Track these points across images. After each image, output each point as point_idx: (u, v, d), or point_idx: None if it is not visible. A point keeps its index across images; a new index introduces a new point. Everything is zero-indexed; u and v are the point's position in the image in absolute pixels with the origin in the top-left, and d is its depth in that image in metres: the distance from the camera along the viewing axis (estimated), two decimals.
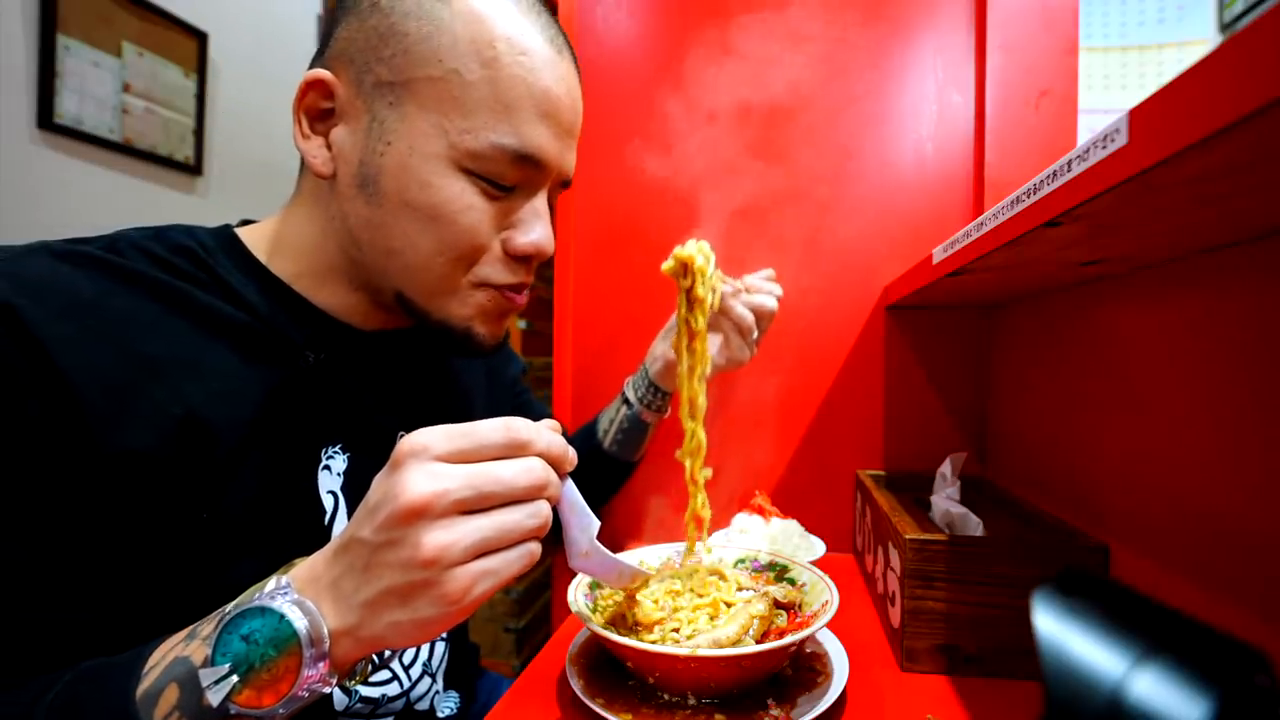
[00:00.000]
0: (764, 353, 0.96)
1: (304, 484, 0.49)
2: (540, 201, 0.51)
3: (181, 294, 0.45)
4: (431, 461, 0.34)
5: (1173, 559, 0.48)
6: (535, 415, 0.43)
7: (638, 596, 0.53)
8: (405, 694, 0.54)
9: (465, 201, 0.47)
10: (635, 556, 0.64)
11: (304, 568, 0.37)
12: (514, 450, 0.37)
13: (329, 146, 0.48)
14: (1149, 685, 0.17)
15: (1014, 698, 0.52)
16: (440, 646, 0.59)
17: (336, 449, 0.51)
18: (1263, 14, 0.20)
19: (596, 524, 0.44)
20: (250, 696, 0.33)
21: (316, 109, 0.49)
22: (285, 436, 0.48)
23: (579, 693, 0.48)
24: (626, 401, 0.79)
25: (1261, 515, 0.40)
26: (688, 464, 0.59)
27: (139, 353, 0.42)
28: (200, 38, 1.64)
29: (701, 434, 0.58)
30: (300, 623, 0.34)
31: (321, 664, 0.34)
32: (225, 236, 0.51)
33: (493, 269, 0.50)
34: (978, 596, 0.55)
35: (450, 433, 0.36)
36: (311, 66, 0.50)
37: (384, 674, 0.53)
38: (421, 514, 0.33)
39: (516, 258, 0.51)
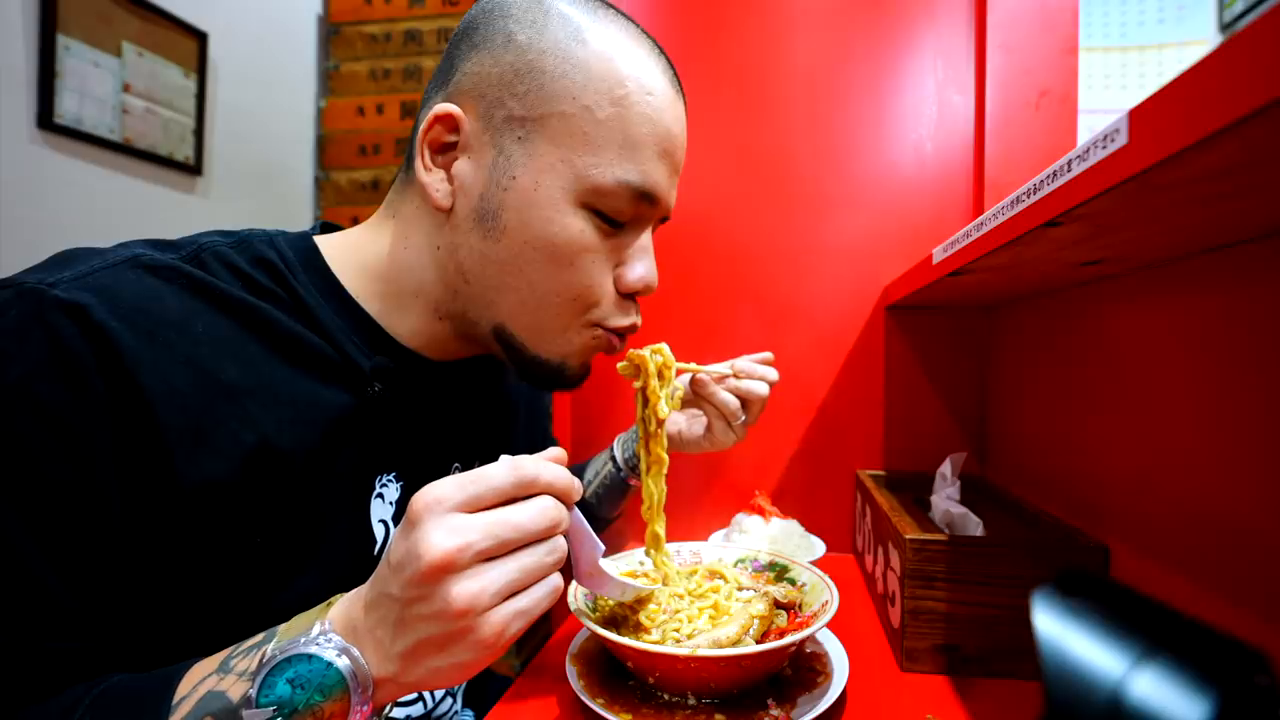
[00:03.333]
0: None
1: (357, 512, 0.49)
2: (648, 238, 0.52)
3: (260, 316, 0.45)
4: (448, 514, 0.35)
5: (1173, 559, 0.48)
6: (548, 444, 0.44)
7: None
8: (429, 714, 0.55)
9: (584, 241, 0.48)
10: (636, 556, 0.64)
11: (343, 612, 0.37)
12: (524, 490, 0.38)
13: (450, 180, 0.49)
14: (1149, 685, 0.17)
15: (1014, 698, 0.52)
16: None
17: (390, 478, 0.51)
18: (1263, 14, 0.20)
19: (601, 548, 0.45)
20: None
21: (440, 142, 0.48)
22: (344, 464, 0.48)
23: (579, 693, 0.48)
24: (614, 460, 0.77)
25: (1261, 515, 0.40)
26: (652, 556, 0.58)
27: (218, 380, 0.42)
28: (200, 38, 1.64)
29: (660, 528, 0.57)
30: (348, 670, 0.34)
31: (365, 708, 0.35)
32: (305, 248, 0.51)
33: (606, 311, 0.51)
34: (978, 596, 0.55)
35: (461, 483, 0.36)
36: (426, 100, 0.50)
37: (411, 694, 0.53)
38: (447, 569, 0.34)
39: (626, 295, 0.52)
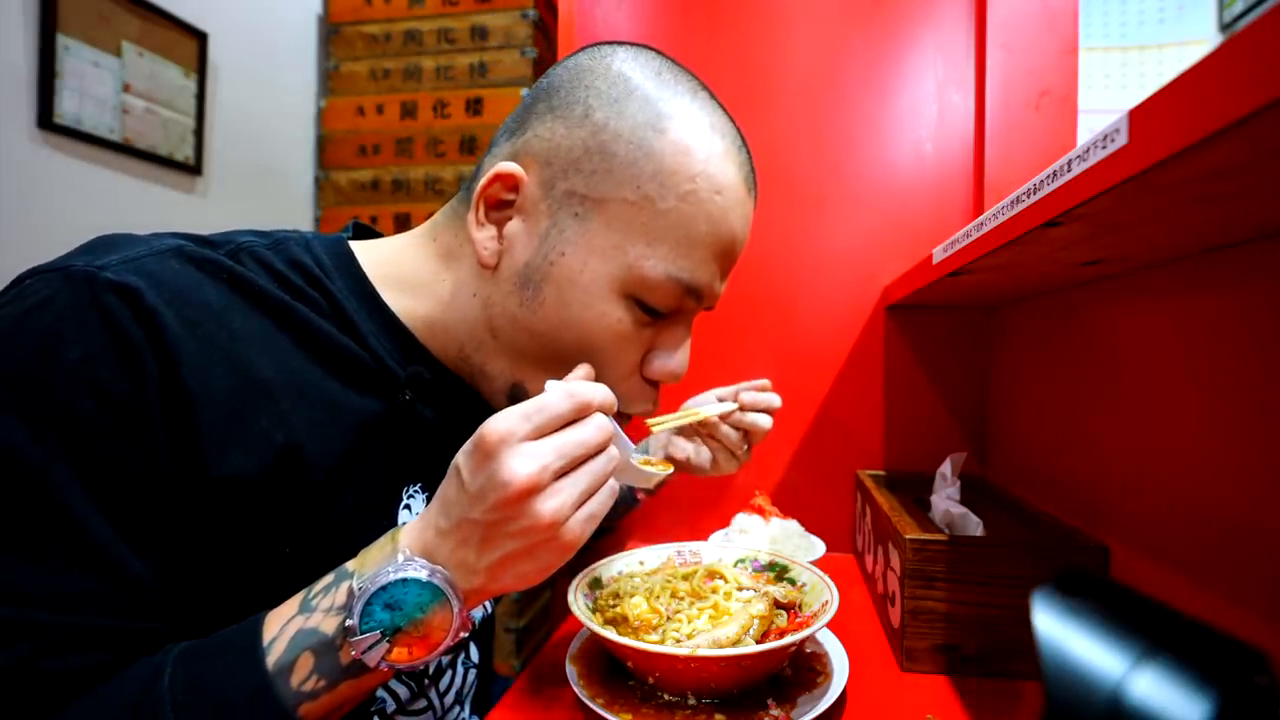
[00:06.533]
0: (765, 353, 0.96)
1: (384, 522, 0.49)
2: (687, 329, 0.52)
3: (297, 316, 0.45)
4: (520, 443, 0.38)
5: (1173, 559, 0.48)
6: None
7: (635, 600, 0.53)
8: None
9: (619, 330, 0.48)
10: (636, 557, 0.64)
11: (416, 540, 0.40)
12: (581, 413, 0.41)
13: (500, 239, 0.48)
14: (1149, 685, 0.17)
15: (1014, 698, 0.52)
16: (472, 674, 0.60)
17: (417, 488, 0.51)
18: (1263, 14, 0.20)
19: (633, 448, 0.50)
20: (401, 654, 0.38)
21: (497, 199, 0.48)
22: (371, 472, 0.48)
23: (579, 693, 0.48)
24: None
25: (1261, 515, 0.40)
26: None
27: (253, 376, 0.42)
28: (200, 38, 1.64)
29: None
30: (446, 588, 0.38)
31: (462, 617, 0.39)
32: (341, 254, 0.50)
33: (626, 393, 0.51)
34: (978, 596, 0.55)
35: (526, 413, 0.39)
36: (494, 145, 0.51)
37: (421, 703, 0.53)
38: (531, 492, 0.37)
39: (649, 380, 0.52)
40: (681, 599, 0.56)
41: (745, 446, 0.70)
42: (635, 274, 0.46)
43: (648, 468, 0.53)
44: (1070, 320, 0.65)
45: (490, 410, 0.55)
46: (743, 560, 0.64)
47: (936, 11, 0.92)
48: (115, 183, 1.48)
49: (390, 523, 0.49)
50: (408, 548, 0.39)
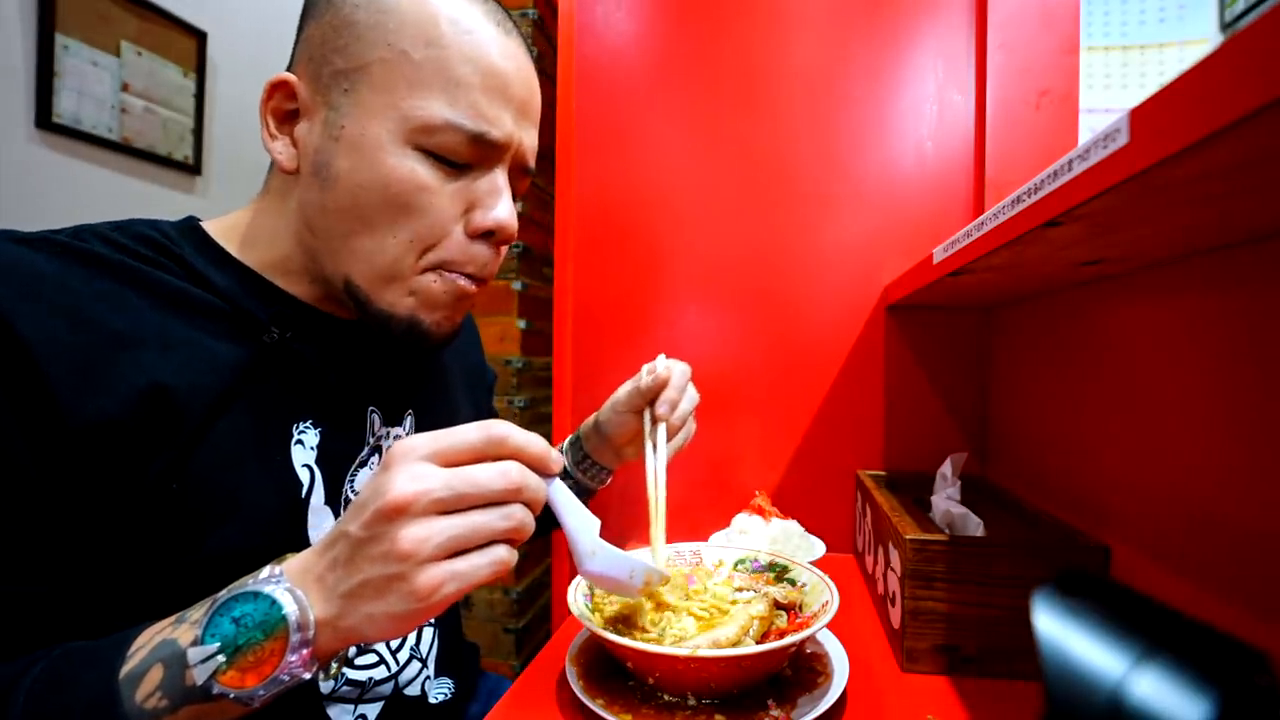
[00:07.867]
0: (765, 353, 0.96)
1: (278, 457, 0.49)
2: (500, 178, 0.51)
3: (144, 275, 0.45)
4: (417, 463, 0.37)
5: (1173, 559, 0.48)
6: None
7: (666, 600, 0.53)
8: (393, 678, 0.54)
9: (418, 180, 0.48)
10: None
11: (297, 560, 0.39)
12: (493, 448, 0.39)
13: (294, 144, 0.50)
14: (1149, 685, 0.17)
15: (1014, 698, 0.52)
16: (429, 632, 0.59)
17: (308, 424, 0.51)
18: (1263, 14, 0.20)
19: (596, 522, 0.44)
20: (234, 677, 0.35)
21: (281, 110, 0.50)
22: (253, 410, 0.48)
23: (579, 693, 0.48)
24: (575, 480, 0.75)
25: (1261, 515, 0.40)
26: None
27: (101, 326, 0.42)
28: (200, 37, 1.64)
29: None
30: (291, 609, 0.36)
31: (305, 650, 0.36)
32: (188, 227, 0.52)
33: (449, 252, 0.50)
34: (978, 596, 0.55)
35: (436, 436, 0.38)
36: None
37: (370, 657, 0.53)
38: (403, 511, 0.35)
39: (478, 237, 0.51)
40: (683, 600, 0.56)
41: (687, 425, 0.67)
42: (413, 123, 0.47)
43: (636, 556, 0.47)
44: (1070, 320, 0.65)
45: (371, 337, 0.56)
46: (743, 560, 0.64)
47: (936, 11, 0.92)
48: (114, 182, 1.48)
49: (284, 459, 0.49)
50: (285, 566, 0.38)
